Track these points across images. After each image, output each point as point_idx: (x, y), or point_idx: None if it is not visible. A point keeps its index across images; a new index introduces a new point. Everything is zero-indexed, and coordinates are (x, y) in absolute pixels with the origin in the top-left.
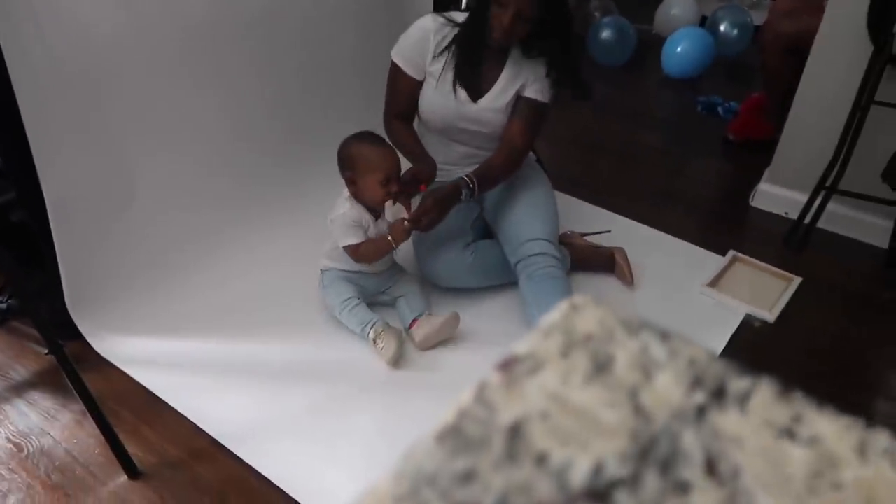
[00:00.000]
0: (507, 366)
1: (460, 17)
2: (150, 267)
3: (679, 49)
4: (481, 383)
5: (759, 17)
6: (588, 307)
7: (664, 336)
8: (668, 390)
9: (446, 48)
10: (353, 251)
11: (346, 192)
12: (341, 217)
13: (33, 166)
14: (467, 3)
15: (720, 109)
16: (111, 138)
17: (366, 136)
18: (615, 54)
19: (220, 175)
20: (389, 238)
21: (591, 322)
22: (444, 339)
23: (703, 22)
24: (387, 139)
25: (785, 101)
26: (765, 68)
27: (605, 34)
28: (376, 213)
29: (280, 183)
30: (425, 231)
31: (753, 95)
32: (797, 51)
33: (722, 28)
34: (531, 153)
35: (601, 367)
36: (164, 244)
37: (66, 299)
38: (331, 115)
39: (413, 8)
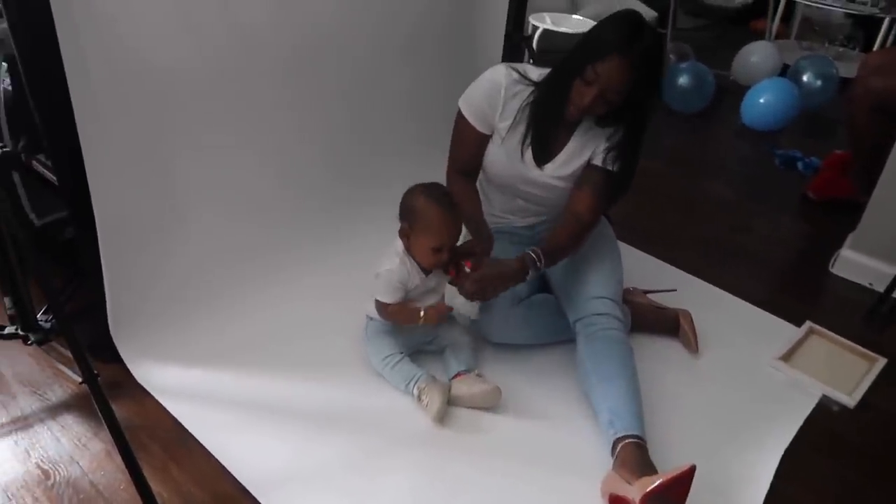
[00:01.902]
0: None
1: (534, 72)
2: (195, 293)
3: (762, 100)
4: None
5: (844, 69)
6: None
7: None
8: None
9: (517, 108)
10: (383, 308)
11: (399, 245)
12: (387, 273)
13: (87, 185)
14: (534, 54)
15: (800, 165)
16: (164, 163)
17: (438, 196)
18: (692, 101)
19: (273, 204)
20: (421, 314)
21: None
22: (481, 408)
23: (784, 70)
24: None
25: (872, 160)
26: (851, 125)
27: (683, 80)
28: (426, 269)
29: (332, 215)
30: (481, 300)
31: (837, 152)
32: (887, 109)
33: (805, 78)
34: None
35: None
36: (210, 271)
37: (109, 322)
38: (387, 151)
39: (484, 53)
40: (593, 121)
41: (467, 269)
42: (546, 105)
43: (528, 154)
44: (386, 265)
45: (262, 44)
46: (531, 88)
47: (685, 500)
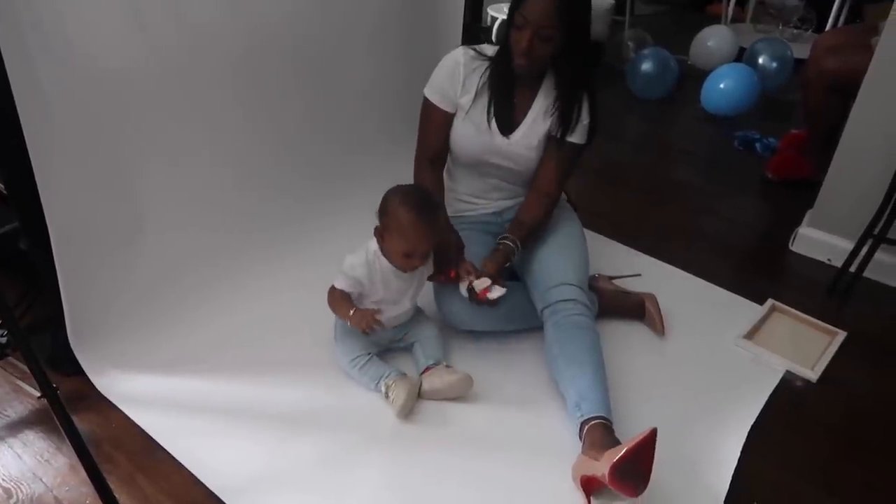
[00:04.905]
0: None
1: (490, 50)
2: (156, 299)
3: (722, 85)
4: None
5: (799, 50)
6: None
7: None
8: None
9: (477, 82)
10: (330, 292)
11: (373, 245)
12: (349, 267)
13: (37, 193)
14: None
15: (758, 146)
16: (119, 167)
17: (415, 202)
18: (655, 88)
19: (234, 205)
20: (351, 313)
21: None
22: (453, 397)
23: (740, 54)
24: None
25: (828, 140)
26: (807, 106)
27: (646, 67)
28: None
29: (295, 213)
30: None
31: (793, 132)
32: (841, 89)
33: (761, 61)
34: (563, 194)
35: None
36: (172, 275)
37: (68, 333)
38: (348, 147)
39: (442, 45)
40: (553, 84)
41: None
42: (501, 70)
43: (494, 124)
44: (350, 259)
45: (216, 42)
46: (488, 63)
47: (652, 465)
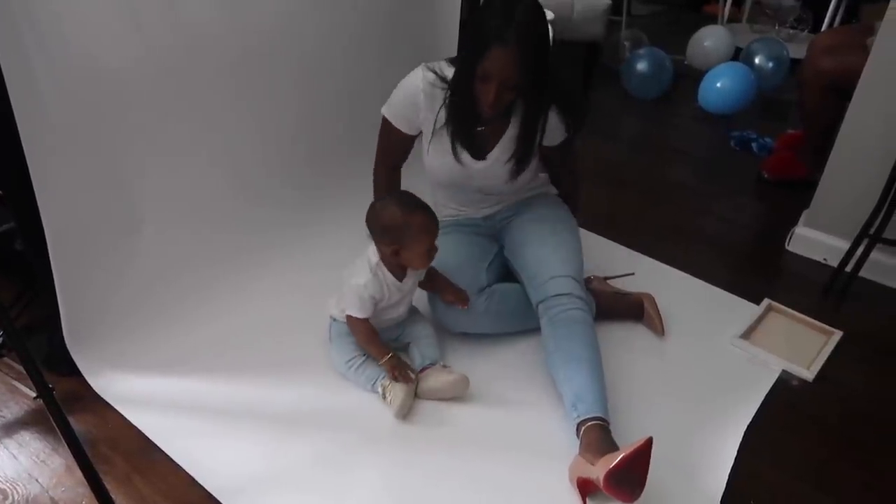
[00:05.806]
0: None
1: (450, 70)
2: (153, 300)
3: (719, 84)
4: None
5: (795, 50)
6: None
7: None
8: None
9: (436, 111)
10: (353, 322)
11: (373, 258)
12: (359, 288)
13: (33, 194)
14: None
15: (754, 146)
16: (115, 168)
17: (413, 204)
18: (651, 87)
19: (229, 206)
20: (383, 360)
21: None
22: (450, 398)
23: (737, 54)
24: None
25: (824, 140)
26: (803, 106)
27: (641, 66)
28: (401, 274)
29: (289, 215)
30: None
31: (790, 132)
32: (837, 89)
33: (757, 61)
34: (553, 188)
35: None
36: (168, 276)
37: (65, 333)
38: (342, 148)
39: (440, 43)
40: (523, 109)
41: None
42: (461, 107)
43: (464, 154)
44: (357, 279)
45: (213, 42)
46: (446, 90)
47: (647, 472)
